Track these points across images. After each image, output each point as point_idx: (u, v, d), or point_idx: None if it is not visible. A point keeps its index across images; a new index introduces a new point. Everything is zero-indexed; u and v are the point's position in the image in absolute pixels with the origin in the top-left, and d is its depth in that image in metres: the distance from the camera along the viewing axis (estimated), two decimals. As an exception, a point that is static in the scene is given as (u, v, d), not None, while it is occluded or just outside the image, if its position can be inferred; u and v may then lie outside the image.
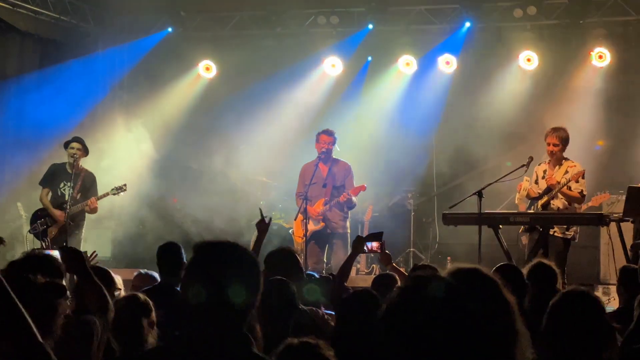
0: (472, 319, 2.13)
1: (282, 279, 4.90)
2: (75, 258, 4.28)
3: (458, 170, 13.79)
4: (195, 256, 2.81)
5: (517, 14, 13.07)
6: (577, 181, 9.85)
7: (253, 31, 14.43)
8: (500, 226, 9.99)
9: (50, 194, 11.11)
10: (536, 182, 10.16)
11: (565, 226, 9.87)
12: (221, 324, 2.71)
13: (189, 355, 2.71)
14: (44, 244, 10.66)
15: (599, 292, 10.95)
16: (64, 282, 3.96)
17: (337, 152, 11.22)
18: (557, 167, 10.02)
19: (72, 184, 10.90)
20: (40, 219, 11.01)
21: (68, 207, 10.78)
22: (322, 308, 5.78)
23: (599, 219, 9.70)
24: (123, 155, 13.51)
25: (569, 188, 9.84)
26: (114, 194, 11.13)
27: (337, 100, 14.02)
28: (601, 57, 13.18)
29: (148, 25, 14.60)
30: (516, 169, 9.99)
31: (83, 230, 11.15)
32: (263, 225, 6.73)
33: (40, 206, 11.13)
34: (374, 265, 12.67)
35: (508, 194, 11.11)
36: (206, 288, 2.72)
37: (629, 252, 9.47)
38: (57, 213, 10.91)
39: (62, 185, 11.05)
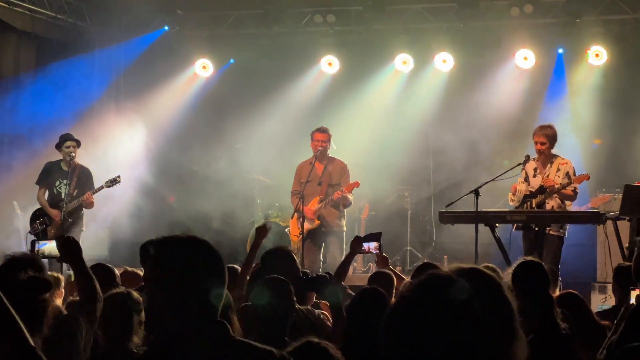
0: (478, 320, 2.14)
1: (280, 277, 4.89)
2: (71, 248, 4.30)
3: (455, 169, 13.79)
4: (155, 253, 2.85)
5: (514, 12, 13.07)
6: (567, 176, 9.88)
7: (250, 30, 14.43)
8: (497, 224, 10.01)
9: (47, 193, 11.11)
10: (526, 180, 10.17)
11: (559, 224, 9.90)
12: (192, 317, 2.74)
13: (172, 353, 2.72)
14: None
15: (595, 291, 10.97)
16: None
17: (334, 150, 11.22)
18: (548, 165, 10.03)
19: (67, 182, 10.92)
20: (39, 218, 11.01)
21: (64, 204, 10.80)
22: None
23: (596, 217, 9.72)
24: (119, 153, 13.51)
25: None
26: (108, 187, 11.10)
27: (334, 99, 14.01)
28: (598, 55, 13.21)
29: (145, 23, 14.59)
30: (513, 168, 10.00)
31: (84, 225, 11.15)
32: (263, 232, 6.73)
33: (38, 206, 11.14)
34: (370, 264, 12.68)
35: (505, 193, 11.11)
36: (168, 284, 2.76)
37: (625, 251, 9.48)
38: (54, 212, 10.92)
39: (57, 183, 11.05)
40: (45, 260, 9.86)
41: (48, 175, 11.14)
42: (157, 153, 14.11)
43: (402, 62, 14.08)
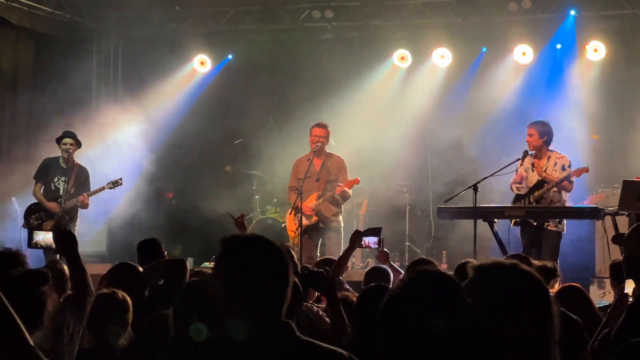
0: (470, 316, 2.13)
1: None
2: (67, 240, 4.30)
3: (453, 165, 13.79)
4: (224, 250, 2.80)
5: (512, 8, 13.07)
6: (564, 169, 9.90)
7: (248, 26, 14.42)
8: (496, 220, 10.01)
9: (43, 188, 11.10)
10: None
11: (557, 219, 9.90)
12: (258, 316, 2.69)
13: (237, 352, 2.68)
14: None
15: (594, 286, 10.97)
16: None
17: (332, 146, 11.20)
18: (545, 160, 10.03)
19: (66, 179, 10.93)
20: (34, 213, 11.00)
21: (63, 201, 10.81)
22: None
23: (594, 213, 9.74)
24: (117, 149, 13.50)
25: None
26: (110, 188, 11.16)
27: (332, 94, 14.00)
28: (596, 50, 13.20)
29: (143, 20, 14.56)
30: (511, 163, 10.01)
31: (77, 224, 11.15)
32: (240, 224, 6.71)
33: (34, 201, 11.13)
34: (369, 259, 12.68)
35: (503, 188, 11.11)
36: (236, 281, 2.72)
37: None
38: (52, 205, 10.91)
39: (55, 179, 11.05)
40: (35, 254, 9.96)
41: (46, 171, 11.13)
42: (155, 149, 14.09)
43: (400, 57, 14.08)
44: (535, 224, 9.84)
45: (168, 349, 3.29)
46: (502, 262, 2.50)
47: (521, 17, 13.30)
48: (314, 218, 10.83)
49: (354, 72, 14.07)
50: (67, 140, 11.01)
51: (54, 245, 4.47)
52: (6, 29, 13.21)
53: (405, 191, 13.83)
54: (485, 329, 2.18)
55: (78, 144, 11.13)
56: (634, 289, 4.84)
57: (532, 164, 10.07)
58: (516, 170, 10.13)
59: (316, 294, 6.19)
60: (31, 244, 9.62)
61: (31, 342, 2.36)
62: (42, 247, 9.59)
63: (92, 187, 11.17)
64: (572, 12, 13.07)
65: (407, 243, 13.50)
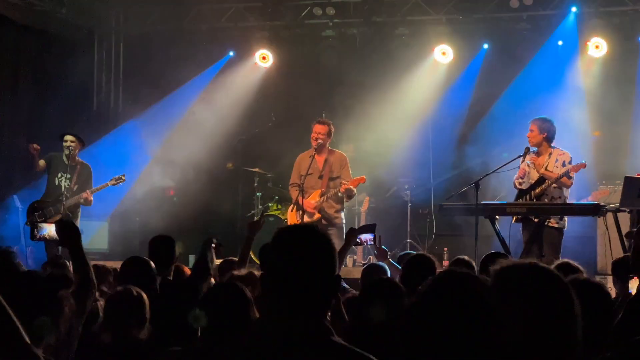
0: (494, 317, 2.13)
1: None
2: (70, 233, 4.31)
3: (455, 161, 13.78)
4: (277, 242, 2.69)
5: (514, 4, 13.05)
6: (564, 165, 9.89)
7: (249, 23, 14.40)
8: (497, 217, 10.01)
9: (47, 179, 11.15)
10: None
11: (559, 216, 9.89)
12: (299, 315, 2.56)
13: (272, 350, 2.54)
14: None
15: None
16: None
17: (333, 143, 11.19)
18: (546, 157, 10.02)
19: (68, 176, 10.98)
20: (37, 211, 11.02)
21: (64, 198, 10.85)
22: None
23: (596, 210, 9.71)
24: (119, 147, 13.51)
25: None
26: (113, 185, 11.24)
27: (333, 91, 13.99)
28: (597, 47, 13.18)
29: (143, 17, 14.55)
30: (512, 160, 9.99)
31: (79, 221, 11.17)
32: (256, 226, 6.68)
33: (37, 198, 11.16)
34: (370, 256, 12.66)
35: (505, 185, 11.10)
36: (280, 278, 2.59)
37: (625, 242, 9.48)
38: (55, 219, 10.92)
39: (59, 175, 11.11)
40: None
41: (50, 164, 11.20)
42: (156, 146, 14.09)
43: (401, 54, 14.06)
44: (536, 220, 9.83)
45: (196, 350, 3.23)
46: (522, 262, 2.49)
47: (523, 13, 13.29)
48: (317, 215, 10.80)
49: (355, 69, 14.05)
50: (68, 137, 11.09)
51: (57, 238, 4.48)
52: (7, 26, 13.20)
53: (407, 188, 13.82)
54: (511, 331, 2.17)
55: (80, 142, 11.18)
56: (638, 286, 4.84)
57: (531, 162, 10.06)
58: (519, 167, 10.12)
59: None
60: (34, 236, 9.61)
61: (27, 340, 2.36)
62: (45, 239, 9.58)
63: (95, 185, 11.20)
64: (574, 9, 13.06)
65: (408, 240, 13.50)
